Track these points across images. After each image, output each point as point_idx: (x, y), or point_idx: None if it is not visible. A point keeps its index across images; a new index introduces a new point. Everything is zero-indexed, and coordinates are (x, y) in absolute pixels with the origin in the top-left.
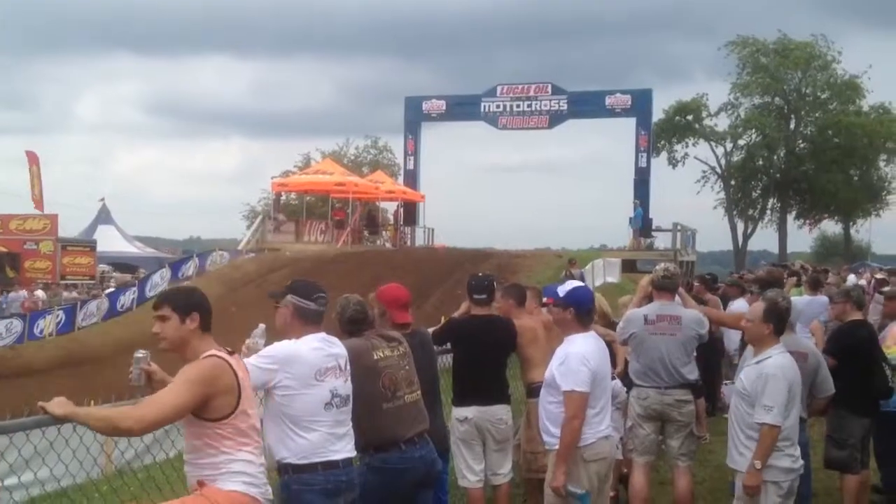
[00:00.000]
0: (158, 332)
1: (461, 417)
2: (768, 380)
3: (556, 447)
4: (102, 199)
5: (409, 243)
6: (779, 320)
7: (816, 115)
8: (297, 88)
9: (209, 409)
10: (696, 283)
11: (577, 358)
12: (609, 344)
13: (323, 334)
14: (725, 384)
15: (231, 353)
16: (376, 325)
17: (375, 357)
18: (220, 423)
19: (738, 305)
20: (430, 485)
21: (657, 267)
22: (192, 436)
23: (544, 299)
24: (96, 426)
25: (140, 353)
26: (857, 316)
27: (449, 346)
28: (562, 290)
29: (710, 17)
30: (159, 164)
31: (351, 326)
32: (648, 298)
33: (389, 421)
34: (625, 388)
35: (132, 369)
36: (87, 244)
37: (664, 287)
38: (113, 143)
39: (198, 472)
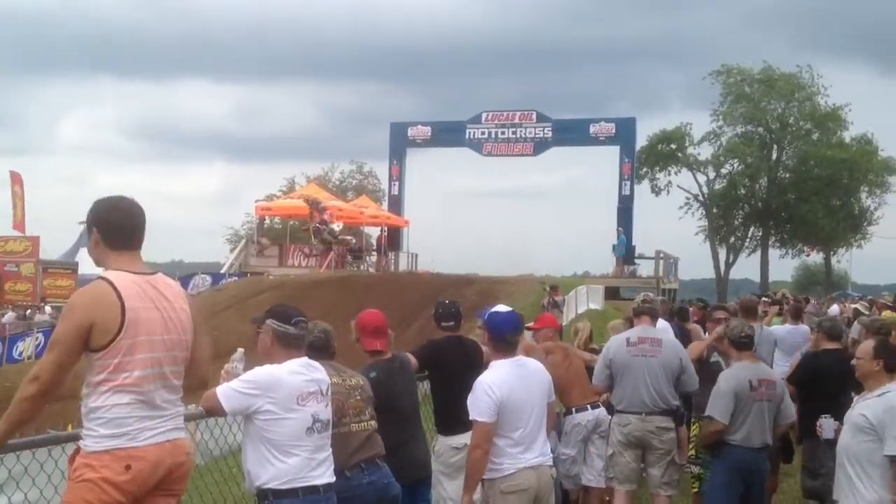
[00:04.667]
0: None
1: (458, 445)
2: None
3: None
4: (83, 222)
5: (392, 269)
6: (889, 356)
7: (798, 145)
8: (279, 113)
9: (92, 338)
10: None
11: (481, 387)
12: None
13: (305, 359)
14: (824, 418)
15: (150, 273)
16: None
17: None
18: (99, 353)
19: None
20: None
21: (636, 297)
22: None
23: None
24: (13, 421)
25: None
26: (831, 345)
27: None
28: (486, 313)
29: (688, 49)
30: (142, 187)
31: (310, 352)
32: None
33: (333, 447)
34: (609, 417)
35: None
36: (68, 266)
37: (644, 311)
38: (95, 165)
39: (84, 426)
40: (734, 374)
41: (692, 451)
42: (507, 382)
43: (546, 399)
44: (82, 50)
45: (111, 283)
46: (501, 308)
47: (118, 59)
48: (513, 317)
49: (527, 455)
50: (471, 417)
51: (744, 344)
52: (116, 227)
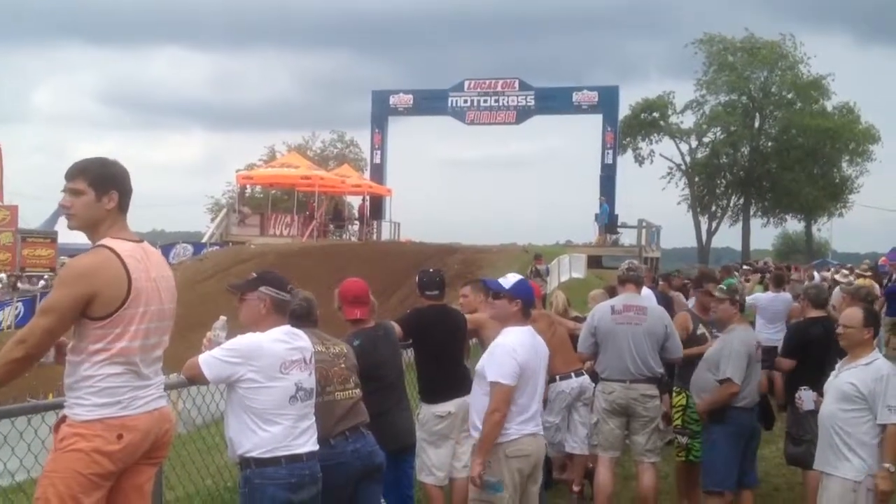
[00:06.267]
0: (69, 207)
1: (442, 413)
2: (889, 380)
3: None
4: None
5: (375, 238)
6: (877, 324)
7: (780, 114)
8: (257, 80)
9: (94, 307)
10: (661, 281)
11: (505, 349)
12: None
13: (288, 327)
14: (803, 389)
15: (139, 241)
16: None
17: None
18: (100, 322)
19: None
20: (373, 477)
21: (621, 265)
22: (75, 344)
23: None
24: None
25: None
26: (816, 313)
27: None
28: (506, 282)
29: (664, 17)
30: (119, 155)
31: (292, 320)
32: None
33: (317, 416)
34: (593, 384)
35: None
36: (47, 236)
37: (629, 279)
38: (72, 133)
39: (68, 394)
40: (745, 336)
41: (679, 421)
42: (526, 348)
43: (545, 374)
44: (51, 16)
45: (115, 252)
46: (514, 276)
47: (88, 24)
48: (530, 285)
49: (530, 423)
50: (492, 379)
51: (743, 308)
52: (130, 192)
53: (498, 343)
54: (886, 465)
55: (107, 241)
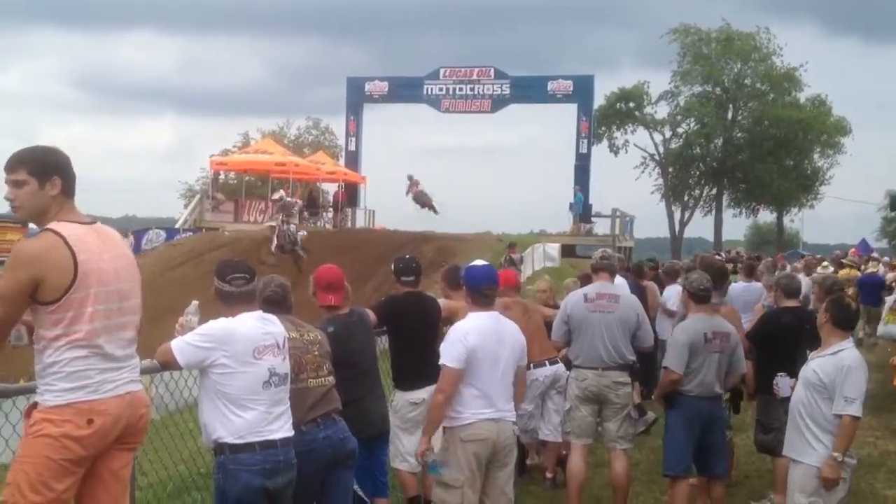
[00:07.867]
0: (13, 200)
1: (416, 400)
2: (849, 371)
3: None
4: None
5: (350, 225)
6: (838, 312)
7: (753, 105)
8: (230, 66)
9: (42, 292)
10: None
11: (457, 334)
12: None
13: (260, 312)
14: (780, 376)
15: (91, 223)
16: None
17: None
18: (51, 307)
19: (674, 291)
20: (345, 464)
21: (594, 254)
22: (36, 332)
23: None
24: None
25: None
26: (789, 303)
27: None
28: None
29: (635, 7)
30: (90, 140)
31: (266, 306)
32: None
33: (290, 402)
34: (567, 372)
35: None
36: (17, 220)
37: (602, 268)
38: (41, 118)
39: (38, 382)
40: (690, 325)
41: None
42: (481, 332)
43: (515, 360)
44: None
45: (60, 235)
46: (479, 262)
47: (57, 8)
48: (490, 271)
49: (489, 408)
50: (441, 361)
51: (702, 297)
52: (74, 176)
53: (453, 327)
54: (835, 453)
55: (53, 225)
